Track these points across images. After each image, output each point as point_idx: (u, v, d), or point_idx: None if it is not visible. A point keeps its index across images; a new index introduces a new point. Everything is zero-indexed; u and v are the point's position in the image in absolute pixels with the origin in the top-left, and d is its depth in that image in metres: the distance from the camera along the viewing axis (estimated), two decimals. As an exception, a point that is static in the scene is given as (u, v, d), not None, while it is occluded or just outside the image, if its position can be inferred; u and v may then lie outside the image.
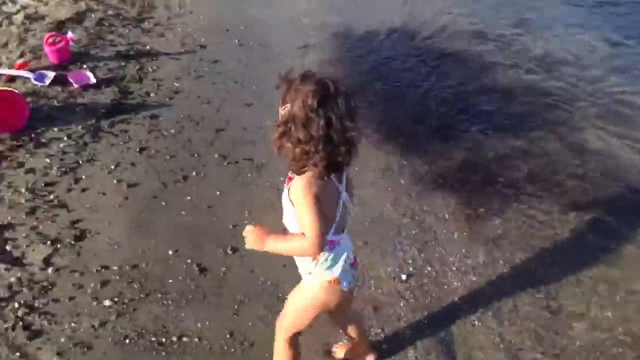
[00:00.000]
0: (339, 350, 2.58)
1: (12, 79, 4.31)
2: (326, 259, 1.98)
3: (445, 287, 2.93)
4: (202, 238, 3.09)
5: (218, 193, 3.44)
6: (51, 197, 3.27)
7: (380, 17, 5.98)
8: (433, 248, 3.17)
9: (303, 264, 2.04)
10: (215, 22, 5.73)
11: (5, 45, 4.75)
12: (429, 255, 3.11)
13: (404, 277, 2.96)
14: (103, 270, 2.83)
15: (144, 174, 3.56)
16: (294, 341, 2.22)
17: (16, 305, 2.60)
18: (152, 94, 4.41)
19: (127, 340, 2.50)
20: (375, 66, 5.11)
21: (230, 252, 2.99)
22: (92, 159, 3.63)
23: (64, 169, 3.50)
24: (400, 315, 2.76)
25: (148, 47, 5.09)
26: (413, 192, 3.60)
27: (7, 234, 2.97)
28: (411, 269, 3.02)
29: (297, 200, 1.84)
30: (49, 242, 2.95)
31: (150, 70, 4.75)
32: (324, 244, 1.85)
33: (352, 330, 2.40)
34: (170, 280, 2.81)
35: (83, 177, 3.46)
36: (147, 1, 5.97)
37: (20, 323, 2.52)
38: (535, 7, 6.43)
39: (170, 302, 2.71)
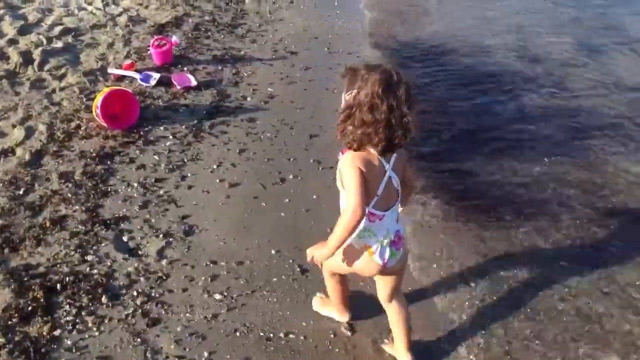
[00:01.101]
0: (387, 347, 2.61)
1: (120, 78, 4.57)
2: (363, 229, 2.14)
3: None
4: (302, 240, 3.17)
5: (315, 197, 3.53)
6: (161, 192, 3.45)
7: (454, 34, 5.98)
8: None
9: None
10: (304, 30, 5.88)
11: (112, 45, 5.04)
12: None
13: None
14: (212, 264, 2.96)
15: (244, 175, 3.70)
16: (337, 276, 2.50)
17: (135, 293, 2.76)
18: (248, 98, 4.57)
19: (238, 334, 2.61)
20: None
21: (330, 255, 3.07)
22: (195, 158, 3.80)
23: (171, 166, 3.68)
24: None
25: (242, 53, 5.28)
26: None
27: (123, 225, 3.15)
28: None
29: (343, 171, 2.05)
30: (161, 235, 3.12)
31: (245, 74, 4.92)
32: (363, 212, 2.00)
33: (393, 317, 2.48)
34: (274, 279, 2.91)
35: (188, 174, 3.63)
36: (239, 8, 6.19)
37: (140, 311, 2.67)
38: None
39: (275, 299, 2.80)
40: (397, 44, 5.79)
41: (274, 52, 5.38)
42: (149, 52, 4.90)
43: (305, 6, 6.47)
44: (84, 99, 4.21)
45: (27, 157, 3.52)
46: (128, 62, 4.71)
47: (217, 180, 3.61)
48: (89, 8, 5.60)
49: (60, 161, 3.55)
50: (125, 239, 3.08)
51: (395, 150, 2.09)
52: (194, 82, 4.61)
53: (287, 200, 3.50)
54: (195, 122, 4.18)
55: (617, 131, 4.43)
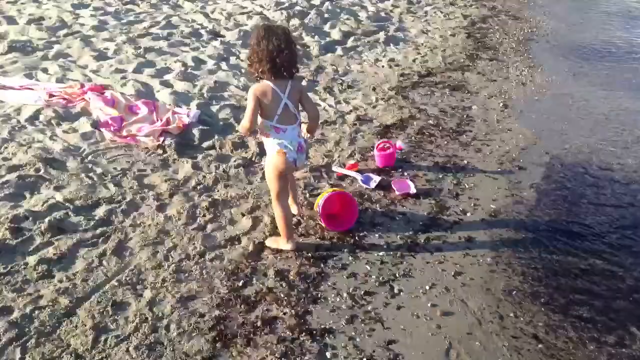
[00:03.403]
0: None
1: (342, 176, 4.66)
2: (274, 138, 3.31)
3: None
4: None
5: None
6: (369, 307, 3.29)
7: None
8: None
9: (267, 148, 3.45)
10: (534, 142, 5.48)
11: (339, 143, 5.21)
12: None
13: None
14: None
15: (458, 303, 3.38)
16: (281, 201, 3.52)
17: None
18: (468, 213, 4.30)
19: None
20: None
21: None
22: (408, 275, 3.60)
23: (382, 279, 3.53)
24: None
25: (465, 162, 5.07)
26: None
27: (328, 339, 3.04)
28: None
29: (247, 97, 3.22)
30: (364, 359, 2.93)
31: (467, 186, 4.68)
32: (251, 127, 3.21)
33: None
34: None
35: (399, 292, 3.43)
36: (465, 114, 6.05)
37: None
38: None
39: None
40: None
41: (499, 164, 5.07)
42: (372, 153, 4.95)
43: (536, 117, 6.07)
44: (307, 195, 4.33)
45: (251, 247, 3.66)
46: (352, 162, 4.80)
47: (429, 305, 3.35)
48: (322, 104, 5.93)
49: (278, 257, 3.62)
50: (328, 355, 2.95)
51: (286, 79, 3.21)
52: (413, 190, 4.49)
53: (503, 345, 3.08)
54: (410, 233, 4.02)
55: None
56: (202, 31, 7.69)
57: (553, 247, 3.99)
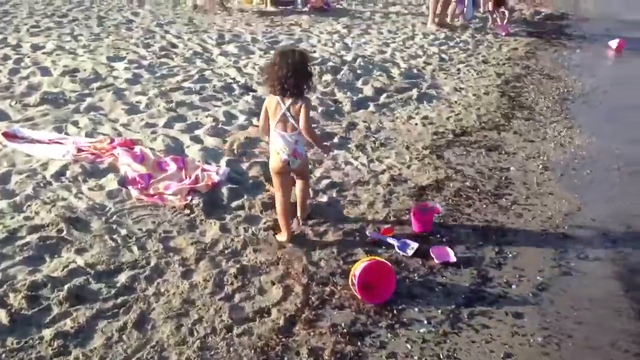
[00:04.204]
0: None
1: (376, 242, 4.41)
2: (274, 141, 4.02)
3: None
4: None
5: None
6: (411, 395, 2.98)
7: None
8: None
9: (270, 149, 4.19)
10: (578, 208, 5.18)
11: (372, 205, 4.99)
12: None
13: None
14: None
15: (509, 392, 3.05)
16: (280, 196, 4.17)
17: None
18: (513, 286, 3.99)
19: None
20: None
21: None
22: (452, 356, 3.29)
23: (423, 361, 3.23)
24: None
25: (506, 228, 4.78)
26: None
27: None
28: None
29: None
30: None
31: (510, 255, 4.38)
32: (261, 129, 4.14)
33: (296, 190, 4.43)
34: None
35: (445, 377, 3.12)
36: (504, 175, 5.79)
37: None
38: None
39: None
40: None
41: (542, 231, 4.77)
42: (407, 217, 4.70)
43: (578, 181, 5.78)
44: (341, 262, 4.08)
45: (281, 322, 3.39)
46: (387, 226, 4.55)
47: (479, 393, 3.03)
48: (355, 163, 5.75)
49: (312, 333, 3.35)
50: None
51: (289, 96, 3.86)
52: (453, 258, 4.21)
53: None
54: (452, 307, 3.72)
55: None
56: (235, 85, 7.67)
57: (609, 326, 3.65)
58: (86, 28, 10.49)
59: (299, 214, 4.50)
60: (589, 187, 5.68)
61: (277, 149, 4.00)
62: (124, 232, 4.16)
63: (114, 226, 4.23)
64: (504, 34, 12.07)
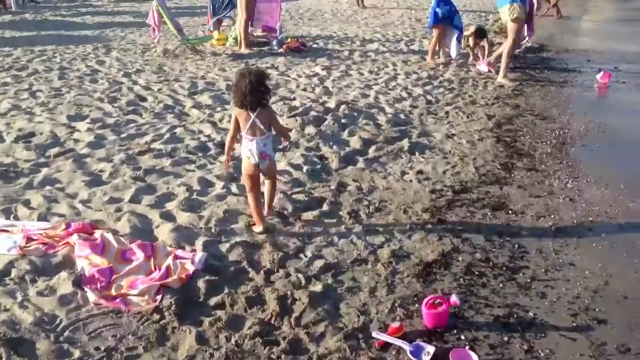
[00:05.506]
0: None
1: (383, 345, 3.71)
2: (244, 145, 4.64)
3: None
4: None
5: None
6: None
7: None
8: None
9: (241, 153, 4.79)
10: (606, 282, 4.56)
11: (374, 291, 4.30)
12: None
13: None
14: None
15: None
16: (252, 195, 4.82)
17: None
18: (553, 400, 3.32)
19: None
20: None
21: None
22: None
23: None
24: None
25: (531, 313, 4.13)
26: None
27: None
28: None
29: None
30: None
31: (542, 354, 3.72)
32: (231, 134, 4.79)
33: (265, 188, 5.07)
34: None
35: None
36: (516, 242, 5.16)
37: None
38: None
39: None
40: None
41: (571, 315, 4.13)
42: (416, 305, 4.03)
43: (601, 246, 5.17)
44: (346, 381, 3.37)
45: None
46: (395, 324, 3.85)
47: None
48: (350, 236, 5.07)
49: None
50: None
51: (253, 108, 4.52)
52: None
53: None
54: None
55: None
56: (210, 144, 6.99)
57: None
58: (46, 82, 9.71)
59: (265, 211, 5.06)
60: (610, 253, 5.05)
61: (247, 154, 4.62)
62: (77, 353, 3.40)
63: (65, 346, 3.46)
64: (486, 69, 11.64)
